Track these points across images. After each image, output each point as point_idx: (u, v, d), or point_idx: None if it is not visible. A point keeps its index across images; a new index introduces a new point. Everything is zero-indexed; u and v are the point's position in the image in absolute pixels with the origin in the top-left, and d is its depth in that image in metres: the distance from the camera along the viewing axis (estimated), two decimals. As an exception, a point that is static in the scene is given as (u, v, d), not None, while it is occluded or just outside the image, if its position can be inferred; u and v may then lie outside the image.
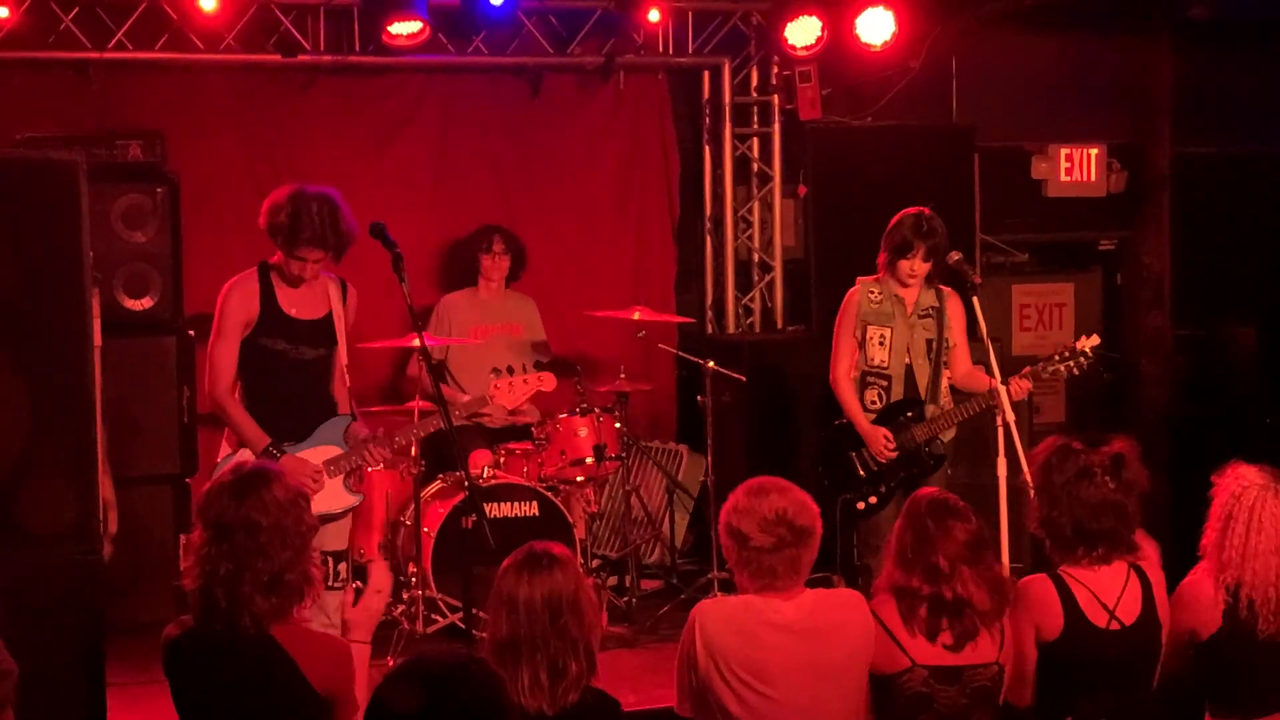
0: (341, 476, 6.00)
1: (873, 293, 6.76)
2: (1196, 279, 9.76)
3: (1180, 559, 4.98)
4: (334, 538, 5.96)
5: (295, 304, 6.00)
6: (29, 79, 8.00)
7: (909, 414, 6.72)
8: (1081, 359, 6.43)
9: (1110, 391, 9.88)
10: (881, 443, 6.68)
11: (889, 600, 4.41)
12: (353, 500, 6.08)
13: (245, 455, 5.82)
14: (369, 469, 6.29)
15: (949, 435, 6.76)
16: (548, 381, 6.58)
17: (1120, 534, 4.55)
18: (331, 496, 5.97)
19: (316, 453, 5.97)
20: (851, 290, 6.82)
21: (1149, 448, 4.78)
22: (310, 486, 5.82)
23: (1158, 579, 4.62)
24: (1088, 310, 9.80)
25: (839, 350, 6.80)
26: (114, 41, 8.03)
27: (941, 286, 6.76)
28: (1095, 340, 6.45)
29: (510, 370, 6.46)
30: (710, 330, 9.26)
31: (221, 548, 3.93)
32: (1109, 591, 4.53)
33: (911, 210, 6.70)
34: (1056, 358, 6.47)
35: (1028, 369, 6.42)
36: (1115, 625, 4.50)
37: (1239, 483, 4.62)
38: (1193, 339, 9.90)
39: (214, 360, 5.93)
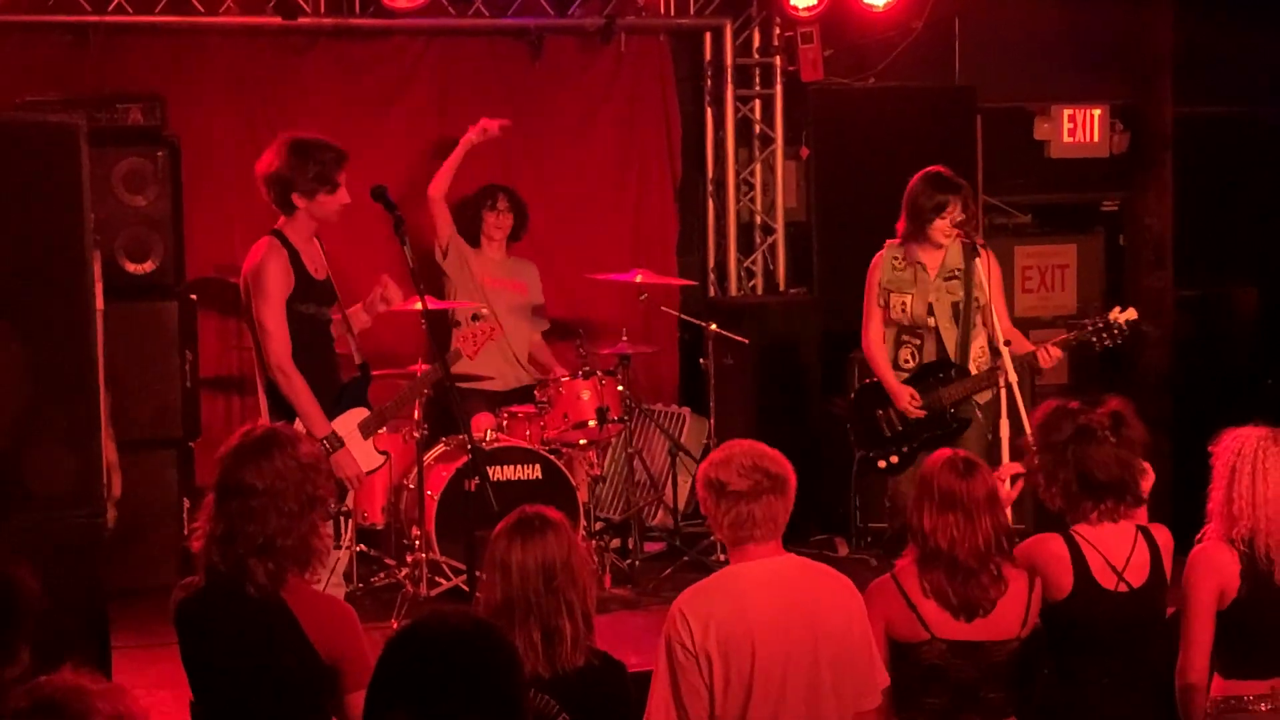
0: (372, 438, 6.03)
1: (896, 258, 6.64)
2: (1198, 240, 9.73)
3: (1183, 519, 4.98)
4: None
5: (313, 265, 6.00)
6: (28, 42, 7.96)
7: (941, 375, 6.58)
8: (1115, 331, 6.25)
9: (1112, 352, 9.85)
10: (906, 400, 6.58)
11: (911, 568, 4.40)
12: (380, 460, 6.13)
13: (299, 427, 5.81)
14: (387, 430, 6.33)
15: (985, 397, 6.54)
16: (497, 332, 6.91)
17: (1127, 484, 4.56)
18: (365, 457, 6.02)
19: (351, 415, 5.99)
20: (877, 254, 6.69)
21: (1150, 408, 4.80)
22: (353, 485, 5.87)
23: (1165, 542, 4.62)
24: (1090, 272, 9.77)
25: (867, 315, 6.73)
26: (113, 4, 7.99)
27: (977, 241, 6.47)
28: (1132, 314, 6.25)
29: (475, 317, 6.47)
30: (712, 293, 9.24)
31: (220, 509, 3.96)
32: (1118, 553, 4.52)
33: (926, 172, 6.57)
34: (1090, 329, 6.28)
35: (1061, 337, 6.29)
36: (1124, 588, 4.50)
37: (1238, 440, 4.60)
38: (1195, 300, 9.88)
39: (271, 328, 5.81)
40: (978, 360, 6.55)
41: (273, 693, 3.92)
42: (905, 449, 6.65)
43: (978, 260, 6.41)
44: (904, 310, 6.60)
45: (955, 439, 6.49)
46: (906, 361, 6.66)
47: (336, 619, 4.00)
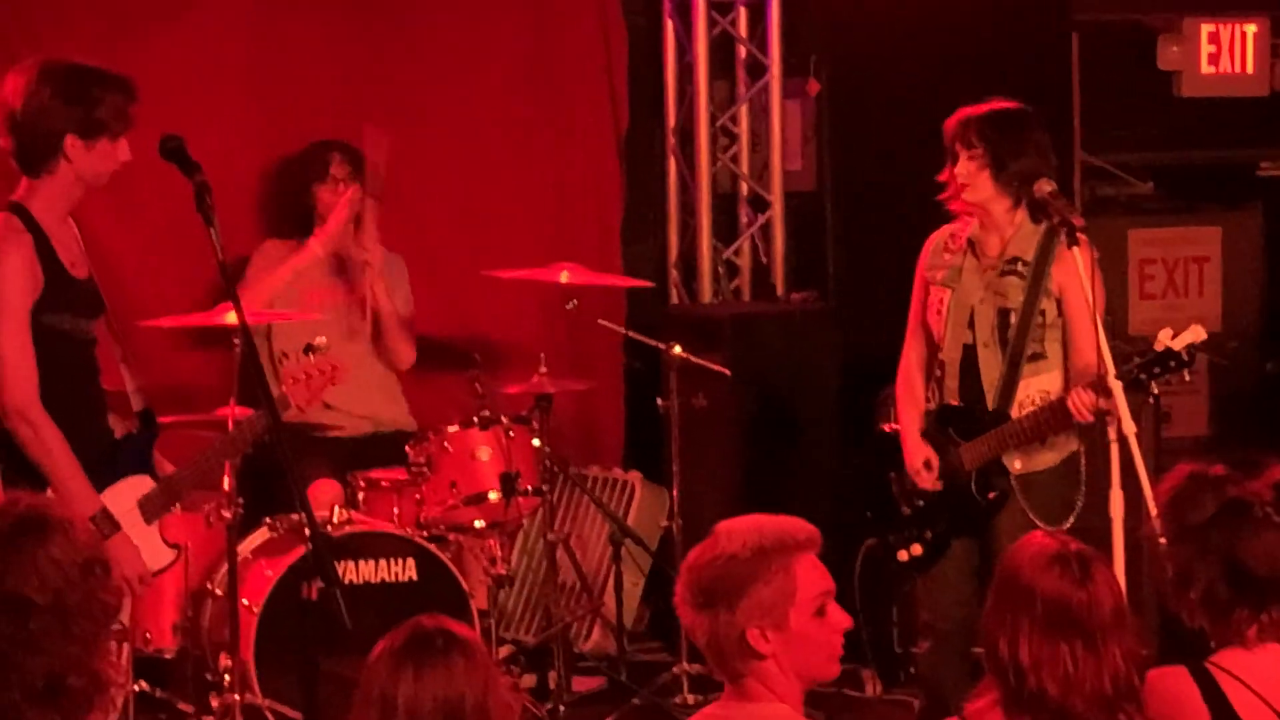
0: (158, 522, 6.02)
1: (951, 238, 6.72)
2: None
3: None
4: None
5: (69, 256, 5.98)
6: None
7: (958, 424, 6.67)
8: (1169, 363, 6.25)
9: (1270, 389, 9.96)
10: (918, 464, 6.67)
11: (994, 714, 4.39)
12: (170, 556, 6.13)
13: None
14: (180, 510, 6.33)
15: (1037, 463, 6.60)
16: (340, 373, 6.78)
17: None
18: (148, 550, 6.03)
19: (128, 485, 5.99)
20: (932, 234, 6.80)
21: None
22: (132, 590, 5.84)
23: None
24: (1240, 266, 9.86)
25: (908, 325, 6.87)
26: None
27: (1074, 222, 6.26)
28: (1199, 334, 6.26)
29: (309, 350, 6.49)
30: (675, 299, 9.30)
31: None
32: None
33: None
34: (1137, 361, 6.27)
35: (1095, 377, 6.22)
36: (1292, 734, 4.55)
37: None
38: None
39: (9, 353, 5.82)
40: (1028, 408, 6.53)
41: None
42: (929, 534, 6.70)
43: (1058, 254, 6.45)
44: (939, 314, 6.67)
45: (984, 525, 6.58)
46: (929, 400, 6.80)
47: None
